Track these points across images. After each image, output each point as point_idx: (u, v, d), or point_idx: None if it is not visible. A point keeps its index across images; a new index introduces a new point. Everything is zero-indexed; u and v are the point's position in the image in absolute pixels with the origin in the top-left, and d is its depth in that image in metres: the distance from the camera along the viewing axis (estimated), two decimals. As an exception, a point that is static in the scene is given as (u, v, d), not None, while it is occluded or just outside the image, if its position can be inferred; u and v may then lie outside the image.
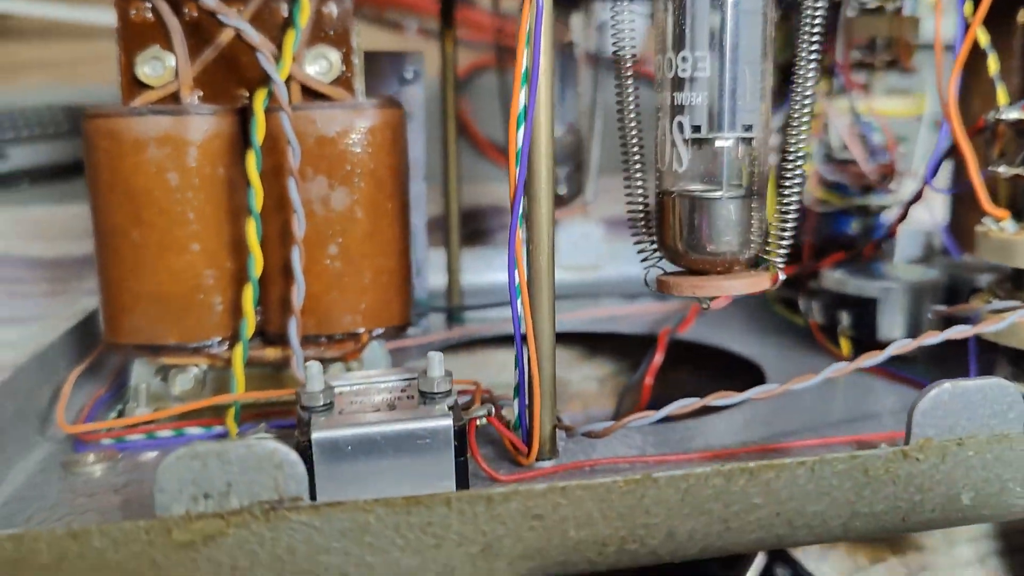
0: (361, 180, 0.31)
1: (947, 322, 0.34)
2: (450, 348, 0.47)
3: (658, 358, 0.41)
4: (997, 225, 0.32)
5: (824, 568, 0.44)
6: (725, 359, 0.42)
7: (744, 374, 0.40)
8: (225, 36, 0.31)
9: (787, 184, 0.27)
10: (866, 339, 0.39)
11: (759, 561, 0.39)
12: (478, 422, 0.27)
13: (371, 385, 0.28)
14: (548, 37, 0.25)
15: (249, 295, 0.30)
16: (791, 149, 0.27)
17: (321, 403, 0.26)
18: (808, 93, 0.26)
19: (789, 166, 0.27)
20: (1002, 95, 0.32)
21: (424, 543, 0.20)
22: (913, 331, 0.37)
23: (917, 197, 0.36)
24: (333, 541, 0.19)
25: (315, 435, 0.24)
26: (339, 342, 0.32)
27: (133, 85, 0.31)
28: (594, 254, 0.57)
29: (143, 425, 0.31)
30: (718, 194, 0.27)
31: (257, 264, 0.30)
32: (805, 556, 0.43)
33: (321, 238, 0.31)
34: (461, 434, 0.25)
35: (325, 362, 0.33)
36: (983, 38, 0.31)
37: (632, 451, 0.28)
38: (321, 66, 0.31)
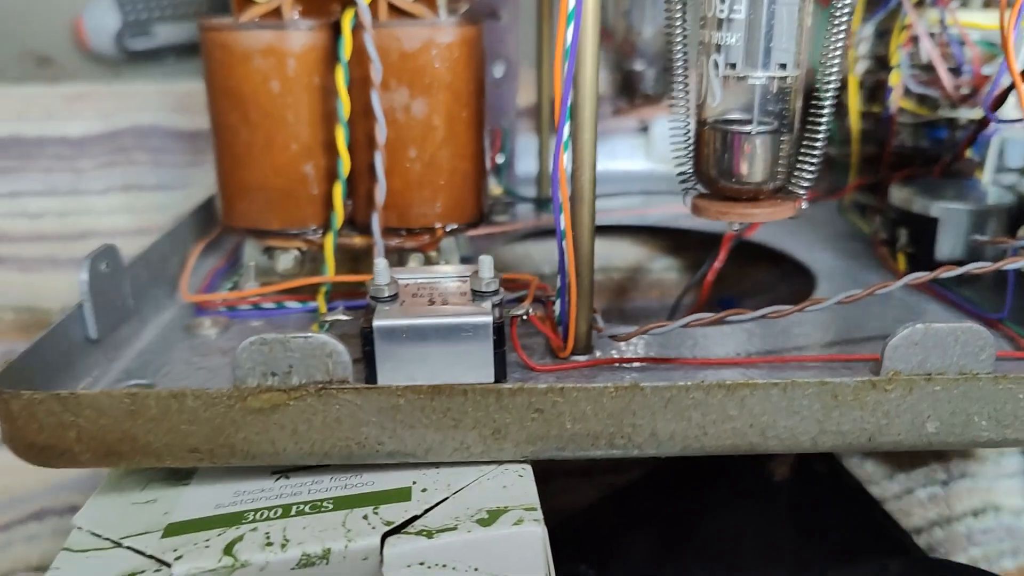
0: (439, 91, 0.35)
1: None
2: (535, 235, 0.50)
3: (720, 260, 0.43)
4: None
5: (865, 467, 0.47)
6: (786, 264, 0.44)
7: (798, 280, 0.43)
8: (325, -46, 0.34)
9: (815, 117, 0.29)
10: (925, 258, 0.40)
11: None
12: (522, 318, 0.31)
13: (433, 280, 0.32)
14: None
15: (339, 191, 0.35)
16: (823, 83, 0.28)
17: (386, 294, 0.30)
18: (840, 27, 0.27)
19: (819, 100, 0.28)
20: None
21: (445, 423, 0.24)
22: (974, 255, 0.38)
23: (983, 124, 0.36)
24: (371, 416, 0.24)
25: (376, 323, 0.28)
26: (417, 235, 0.37)
27: (242, 0, 0.35)
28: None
29: (251, 298, 0.36)
30: (748, 128, 0.29)
31: (345, 165, 0.35)
32: (846, 455, 0.46)
33: (402, 142, 0.35)
34: (500, 329, 0.29)
35: (405, 251, 0.38)
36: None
37: (666, 351, 0.31)
38: (406, -16, 0.34)
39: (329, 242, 0.36)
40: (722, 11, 0.28)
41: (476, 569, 0.23)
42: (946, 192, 0.41)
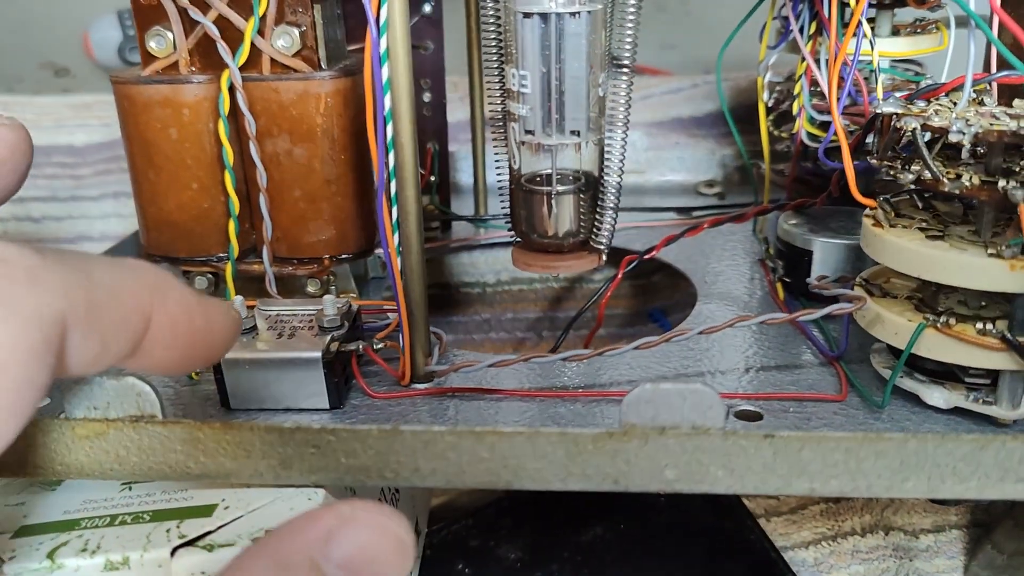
0: (317, 138, 0.38)
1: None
2: (472, 247, 0.54)
3: (614, 284, 0.46)
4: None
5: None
6: (682, 287, 0.47)
7: (687, 302, 0.45)
8: (211, 16, 0.38)
9: (606, 178, 0.31)
10: (801, 288, 0.42)
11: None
12: (358, 352, 0.35)
13: (293, 313, 0.36)
14: None
15: (232, 227, 0.39)
16: (607, 149, 0.31)
17: (243, 327, 0.34)
18: (618, 95, 0.30)
19: (609, 162, 0.31)
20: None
21: (239, 454, 0.29)
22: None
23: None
24: (177, 445, 0.29)
25: (225, 357, 0.33)
26: (306, 264, 0.41)
27: (147, 55, 0.39)
28: (637, 160, 0.60)
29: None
30: (547, 188, 0.31)
31: (235, 205, 0.39)
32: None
33: (288, 183, 0.39)
34: (330, 364, 0.33)
35: (299, 278, 0.42)
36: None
37: (507, 382, 0.34)
38: (286, 41, 0.38)
39: (228, 270, 0.40)
40: (514, 85, 0.30)
41: (249, 581, 0.27)
42: (828, 224, 0.43)
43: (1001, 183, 0.29)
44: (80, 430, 0.29)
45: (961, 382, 0.32)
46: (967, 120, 0.29)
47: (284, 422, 0.29)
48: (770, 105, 0.48)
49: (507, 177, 0.33)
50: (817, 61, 0.44)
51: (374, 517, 0.20)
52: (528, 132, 0.31)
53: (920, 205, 0.34)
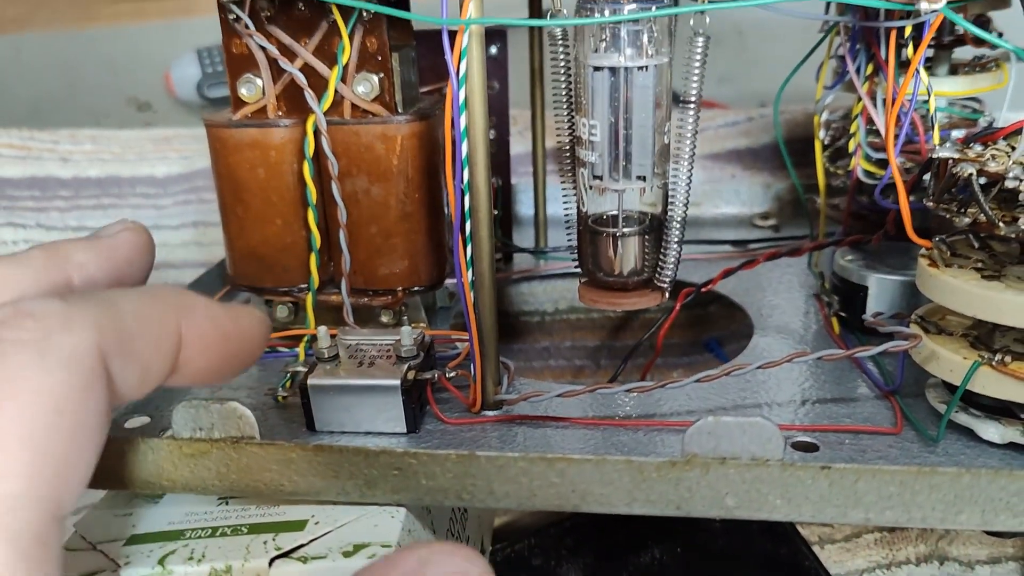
0: (393, 177, 0.41)
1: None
2: (533, 278, 0.56)
3: (672, 315, 0.47)
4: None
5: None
6: (738, 318, 0.48)
7: (743, 333, 0.46)
8: (298, 64, 0.41)
9: (670, 222, 0.33)
10: (857, 324, 0.43)
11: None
12: (432, 381, 0.37)
13: (371, 343, 0.38)
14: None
15: (313, 260, 0.42)
16: (673, 195, 0.32)
17: (326, 356, 0.37)
18: (685, 140, 0.32)
19: (672, 207, 0.33)
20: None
21: (327, 473, 0.31)
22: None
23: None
24: (272, 465, 0.31)
25: (311, 381, 0.35)
26: (381, 295, 0.43)
27: (237, 100, 0.42)
28: (693, 193, 0.62)
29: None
30: (614, 230, 0.33)
31: (317, 239, 0.42)
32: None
33: (365, 220, 0.42)
34: (408, 390, 0.35)
35: (374, 308, 0.44)
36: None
37: (572, 411, 0.36)
38: (366, 87, 0.41)
39: (308, 300, 0.43)
40: (584, 133, 0.32)
41: (337, 594, 0.29)
42: (884, 260, 0.44)
43: (1054, 227, 0.30)
44: (186, 449, 0.31)
45: (1017, 417, 0.33)
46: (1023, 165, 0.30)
47: (369, 445, 0.31)
48: (826, 143, 0.50)
49: (575, 217, 0.35)
50: (873, 100, 0.45)
51: (452, 559, 0.21)
52: (596, 178, 0.33)
53: (976, 245, 0.35)
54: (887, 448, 0.33)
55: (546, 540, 0.46)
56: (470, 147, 0.33)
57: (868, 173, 0.47)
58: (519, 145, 0.61)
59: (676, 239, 0.33)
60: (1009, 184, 0.30)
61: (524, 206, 0.62)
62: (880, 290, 0.42)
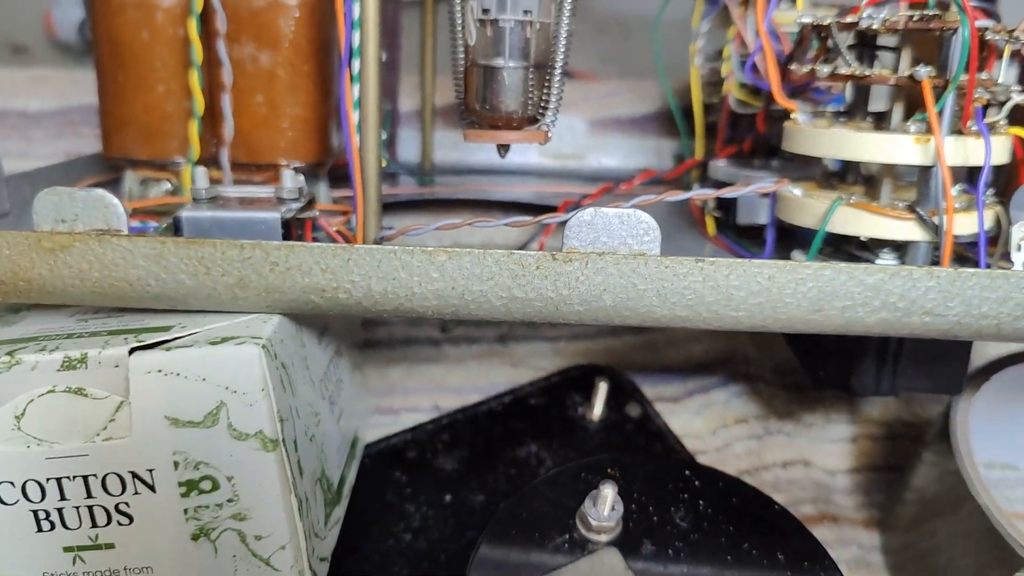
0: (282, 46, 0.41)
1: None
2: (418, 204, 0.56)
3: (548, 231, 0.48)
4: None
5: (693, 424, 0.51)
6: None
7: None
8: (192, -73, 0.40)
9: (553, 57, 0.34)
10: (731, 223, 0.45)
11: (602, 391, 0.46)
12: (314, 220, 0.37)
13: (255, 193, 0.37)
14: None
15: (194, 127, 0.41)
16: (557, 30, 0.34)
17: (203, 196, 0.36)
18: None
19: (556, 42, 0.34)
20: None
21: (199, 270, 0.30)
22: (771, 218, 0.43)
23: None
24: (139, 260, 0.30)
25: (184, 214, 0.34)
26: (264, 169, 0.43)
27: (125, -38, 0.41)
28: (577, 145, 0.64)
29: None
30: (500, 63, 0.34)
31: (199, 105, 0.41)
32: (670, 412, 0.51)
33: (251, 88, 0.41)
34: (287, 224, 0.35)
35: (255, 184, 0.43)
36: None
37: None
38: (261, -47, 0.41)
39: (187, 172, 0.42)
40: (474, -35, 0.33)
41: (203, 379, 0.28)
42: (752, 163, 0.47)
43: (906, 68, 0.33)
44: (46, 243, 0.30)
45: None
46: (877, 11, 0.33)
47: (244, 240, 0.30)
48: (703, 73, 0.52)
49: (462, 57, 0.36)
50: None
51: None
52: (484, 10, 0.34)
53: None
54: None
55: (422, 434, 0.45)
56: (362, -22, 0.33)
57: (740, 103, 0.50)
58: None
59: (558, 79, 0.34)
60: (863, 24, 0.33)
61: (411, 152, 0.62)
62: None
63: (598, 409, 0.46)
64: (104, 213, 0.30)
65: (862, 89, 0.37)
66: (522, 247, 0.49)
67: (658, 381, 0.52)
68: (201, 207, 0.35)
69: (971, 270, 0.29)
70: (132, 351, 0.28)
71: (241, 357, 0.28)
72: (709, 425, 0.50)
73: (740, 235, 0.44)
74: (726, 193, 0.35)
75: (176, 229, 0.34)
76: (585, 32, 0.83)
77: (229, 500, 0.29)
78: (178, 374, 0.28)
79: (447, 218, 0.58)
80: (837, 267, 0.29)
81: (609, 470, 0.36)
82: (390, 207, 0.56)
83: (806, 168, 0.43)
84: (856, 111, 0.38)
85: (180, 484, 0.28)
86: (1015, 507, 0.48)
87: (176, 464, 0.28)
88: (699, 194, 0.36)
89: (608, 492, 0.33)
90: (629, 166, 0.65)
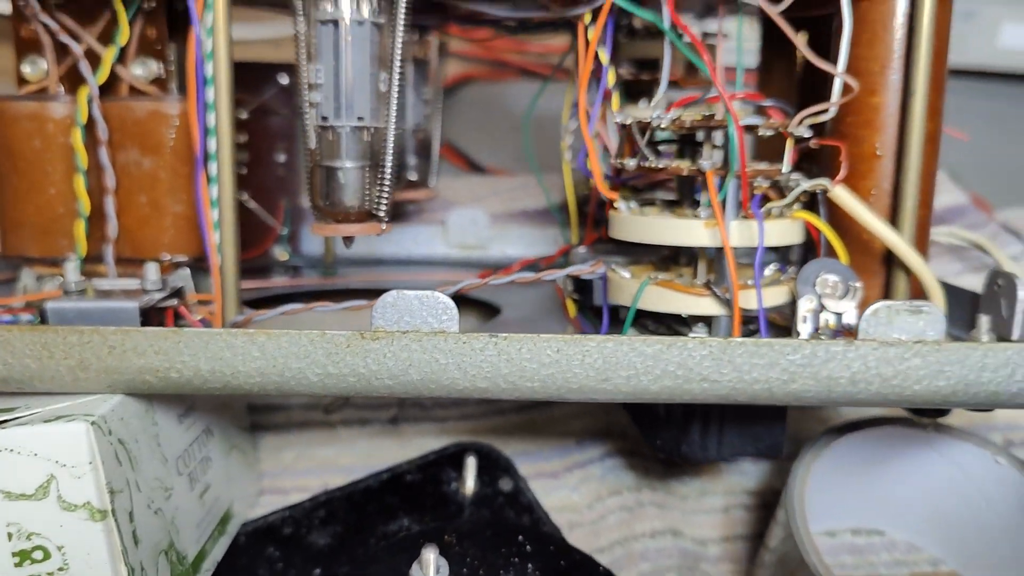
0: (164, 151, 0.45)
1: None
2: (318, 295, 0.59)
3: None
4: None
5: (572, 497, 0.53)
6: (490, 309, 0.53)
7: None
8: (82, 47, 0.45)
9: (383, 158, 0.38)
10: (588, 305, 0.48)
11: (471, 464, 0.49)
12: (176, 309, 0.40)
13: (121, 285, 0.41)
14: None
15: (80, 227, 0.45)
16: (383, 135, 0.38)
17: (73, 288, 0.39)
18: (390, 95, 0.37)
19: (384, 144, 0.38)
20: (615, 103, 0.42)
21: (43, 354, 0.33)
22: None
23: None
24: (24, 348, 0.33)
25: (49, 304, 0.37)
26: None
27: (21, 79, 0.45)
28: (480, 236, 0.68)
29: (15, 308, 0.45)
30: (338, 164, 0.38)
31: (85, 206, 0.45)
32: (551, 486, 0.53)
33: (135, 189, 0.45)
34: (147, 314, 0.38)
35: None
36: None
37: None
38: (143, 70, 0.45)
39: (74, 267, 0.45)
40: (308, 76, 0.38)
41: (35, 454, 0.31)
42: (609, 250, 0.50)
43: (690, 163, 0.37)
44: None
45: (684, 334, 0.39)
46: (667, 114, 0.37)
47: (84, 327, 0.33)
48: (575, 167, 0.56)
49: (307, 160, 0.40)
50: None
51: None
52: (323, 117, 0.38)
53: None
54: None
55: (298, 511, 0.47)
56: (216, 91, 0.38)
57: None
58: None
59: (389, 175, 0.38)
60: (654, 123, 0.37)
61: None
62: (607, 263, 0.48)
63: (470, 484, 0.49)
64: (-39, 305, 0.33)
65: (685, 179, 0.41)
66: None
67: (540, 457, 0.55)
68: (69, 299, 0.38)
69: (739, 340, 0.32)
70: (-28, 429, 0.31)
71: (69, 433, 0.31)
72: (585, 498, 0.52)
73: (597, 316, 0.48)
74: (545, 276, 0.39)
75: (43, 319, 0.38)
76: (504, 130, 0.89)
77: (60, 569, 0.31)
78: (12, 450, 0.31)
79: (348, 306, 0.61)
80: (619, 339, 0.33)
81: (447, 536, 0.38)
82: (291, 297, 0.59)
83: (656, 252, 0.46)
84: (683, 198, 0.42)
85: (14, 554, 0.31)
86: (880, 571, 0.51)
87: (10, 535, 0.31)
88: (519, 277, 0.39)
89: (430, 556, 0.35)
90: (530, 254, 0.68)
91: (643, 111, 0.39)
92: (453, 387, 0.33)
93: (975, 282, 0.42)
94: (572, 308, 0.49)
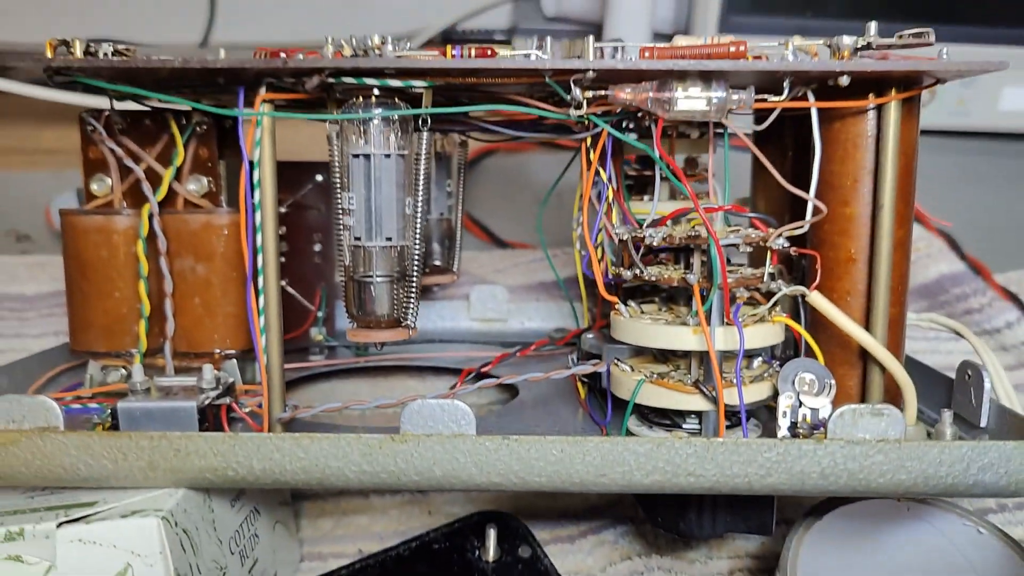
0: (215, 259, 0.51)
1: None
2: (352, 372, 0.65)
3: (456, 389, 0.56)
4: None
5: (587, 560, 0.57)
6: (509, 389, 0.57)
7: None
8: (142, 166, 0.51)
9: (411, 272, 0.43)
10: (597, 387, 0.53)
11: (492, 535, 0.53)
12: (229, 406, 0.45)
13: (186, 383, 0.46)
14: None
15: (142, 326, 0.50)
16: (410, 251, 0.43)
17: (139, 388, 0.45)
18: (415, 215, 0.42)
19: (414, 260, 0.43)
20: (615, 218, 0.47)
21: (117, 456, 0.38)
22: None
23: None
24: (72, 450, 0.38)
25: (120, 404, 0.43)
26: (201, 357, 0.51)
27: (90, 195, 0.51)
28: (500, 310, 0.73)
29: (84, 398, 0.51)
30: (369, 278, 0.43)
31: (147, 308, 0.50)
32: (567, 551, 0.57)
33: (191, 292, 0.51)
34: (204, 411, 0.43)
35: (195, 370, 0.52)
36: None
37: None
38: (196, 186, 0.51)
39: (137, 360, 0.51)
40: (343, 202, 0.43)
41: (114, 546, 0.36)
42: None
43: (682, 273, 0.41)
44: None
45: (680, 427, 0.43)
46: (659, 230, 0.42)
47: (153, 431, 0.38)
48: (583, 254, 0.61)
49: (343, 274, 0.45)
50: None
51: None
52: (356, 238, 0.43)
53: (655, 303, 0.47)
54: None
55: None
56: (262, 217, 0.43)
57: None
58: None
59: (415, 287, 0.43)
60: (647, 240, 0.42)
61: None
62: (609, 355, 0.53)
63: (491, 551, 0.53)
64: (45, 414, 0.39)
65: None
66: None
67: (557, 524, 0.59)
68: (135, 398, 0.43)
69: (720, 440, 0.37)
70: (60, 525, 0.36)
71: (143, 527, 0.36)
72: (599, 563, 0.57)
73: (604, 396, 0.52)
74: (554, 375, 0.44)
75: (114, 417, 0.43)
76: (525, 200, 0.94)
77: (134, 644, 0.36)
78: (94, 542, 0.36)
79: (380, 382, 0.67)
80: (614, 440, 0.37)
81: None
82: (328, 376, 0.64)
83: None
84: (678, 296, 0.47)
85: (95, 633, 0.36)
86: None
87: (92, 616, 0.36)
88: (532, 376, 0.44)
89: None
90: (547, 327, 0.73)
91: (636, 231, 0.44)
92: (471, 482, 0.38)
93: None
94: (582, 390, 0.54)
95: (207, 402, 0.44)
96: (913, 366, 0.51)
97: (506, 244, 0.87)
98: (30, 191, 0.86)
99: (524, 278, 0.79)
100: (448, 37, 1.18)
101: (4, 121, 0.98)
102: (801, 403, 0.40)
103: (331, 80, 0.40)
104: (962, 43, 0.92)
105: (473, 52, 0.38)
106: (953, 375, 0.48)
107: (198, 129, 0.51)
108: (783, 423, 0.40)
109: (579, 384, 0.54)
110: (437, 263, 0.65)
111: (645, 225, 0.43)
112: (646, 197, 0.59)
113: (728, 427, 0.42)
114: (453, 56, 0.39)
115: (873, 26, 0.42)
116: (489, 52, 0.38)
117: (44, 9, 1.13)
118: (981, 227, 0.86)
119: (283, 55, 0.40)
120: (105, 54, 0.41)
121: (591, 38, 0.43)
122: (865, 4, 0.92)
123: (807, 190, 0.44)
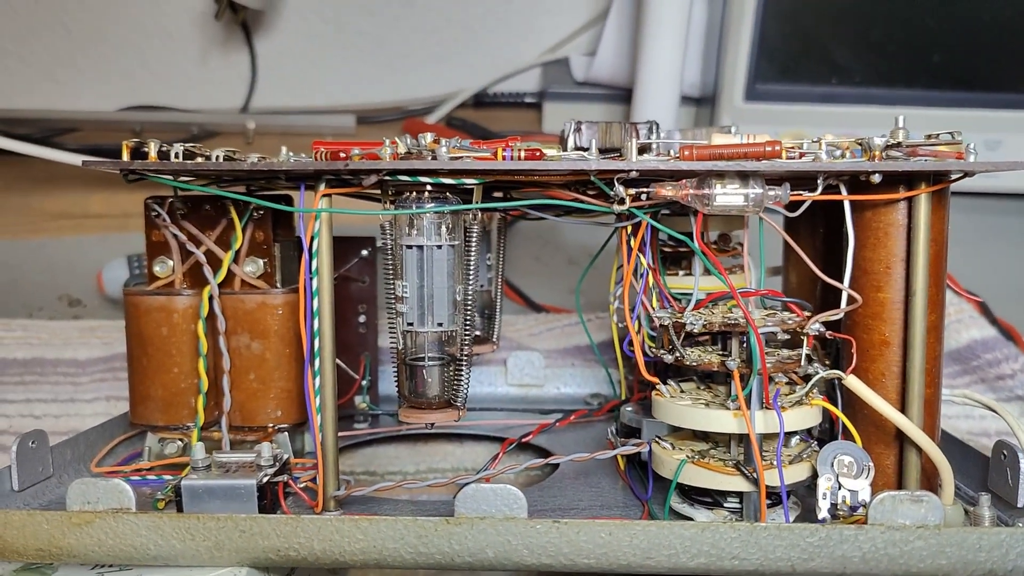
0: (270, 336, 0.53)
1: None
2: (397, 438, 0.67)
3: (498, 460, 0.58)
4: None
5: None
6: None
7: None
8: (202, 249, 0.53)
9: (461, 357, 0.45)
10: (636, 460, 0.54)
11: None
12: (285, 483, 0.47)
13: (243, 459, 0.48)
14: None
15: (200, 401, 0.53)
16: (460, 337, 0.45)
17: (200, 465, 0.47)
18: (466, 302, 0.45)
19: (463, 346, 0.45)
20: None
21: (185, 536, 0.40)
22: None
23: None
24: (143, 530, 0.40)
25: (183, 482, 0.45)
26: (255, 431, 0.54)
27: (152, 276, 0.54)
28: (537, 376, 0.75)
29: (143, 471, 0.53)
30: (422, 362, 0.45)
31: (205, 383, 0.52)
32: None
33: (246, 368, 0.53)
34: (263, 488, 0.45)
35: (250, 442, 0.54)
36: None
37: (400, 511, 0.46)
38: (253, 267, 0.53)
39: (195, 435, 0.53)
40: (396, 290, 0.45)
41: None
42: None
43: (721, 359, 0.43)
44: (75, 520, 0.40)
45: (722, 506, 0.45)
46: (699, 316, 0.44)
47: (219, 513, 0.40)
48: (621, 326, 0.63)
49: (397, 356, 0.47)
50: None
51: None
52: (409, 324, 0.45)
53: (695, 384, 0.48)
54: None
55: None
56: (319, 303, 0.45)
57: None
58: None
59: (465, 369, 0.45)
60: (688, 327, 0.44)
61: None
62: (649, 431, 0.54)
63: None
64: (119, 496, 0.41)
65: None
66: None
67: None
68: (197, 475, 0.46)
69: (764, 524, 0.38)
70: (131, 603, 0.38)
71: (214, 601, 0.38)
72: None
73: (643, 468, 0.54)
74: (598, 456, 0.45)
75: (177, 492, 0.45)
76: (560, 263, 0.96)
77: None
78: (168, 617, 0.38)
79: (420, 448, 0.68)
80: (660, 524, 0.39)
81: None
82: (372, 443, 0.66)
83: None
84: (717, 377, 0.48)
85: None
86: None
87: None
88: (576, 456, 0.46)
89: None
90: (582, 392, 0.75)
91: (676, 316, 0.45)
92: (522, 563, 0.39)
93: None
94: (622, 462, 0.55)
95: (265, 479, 0.46)
96: (949, 441, 0.52)
97: (540, 308, 0.89)
98: (79, 256, 0.90)
99: (559, 342, 0.81)
100: (480, 100, 1.22)
101: (52, 187, 1.01)
102: (840, 485, 0.42)
103: (387, 177, 0.43)
104: (987, 108, 0.94)
105: (523, 154, 0.41)
106: (987, 442, 0.49)
107: (255, 214, 0.53)
108: (823, 505, 0.42)
109: (620, 457, 0.55)
110: (478, 333, 0.67)
111: (686, 312, 0.45)
112: (681, 272, 0.60)
113: (769, 505, 0.44)
114: (504, 158, 0.41)
115: (901, 119, 0.44)
116: (538, 153, 0.41)
117: (96, 77, 1.18)
118: (1012, 289, 0.87)
119: (342, 154, 0.43)
120: (176, 155, 0.44)
121: (627, 126, 0.45)
122: (890, 71, 0.95)
123: (838, 268, 0.46)
